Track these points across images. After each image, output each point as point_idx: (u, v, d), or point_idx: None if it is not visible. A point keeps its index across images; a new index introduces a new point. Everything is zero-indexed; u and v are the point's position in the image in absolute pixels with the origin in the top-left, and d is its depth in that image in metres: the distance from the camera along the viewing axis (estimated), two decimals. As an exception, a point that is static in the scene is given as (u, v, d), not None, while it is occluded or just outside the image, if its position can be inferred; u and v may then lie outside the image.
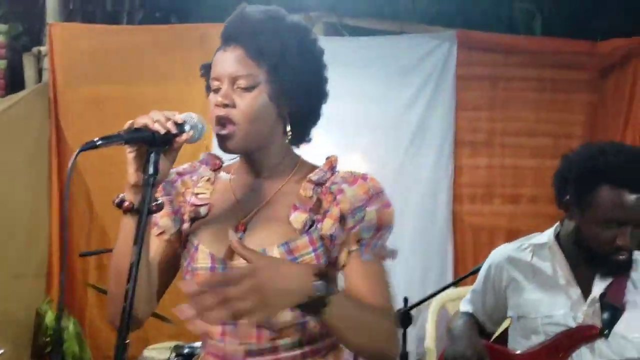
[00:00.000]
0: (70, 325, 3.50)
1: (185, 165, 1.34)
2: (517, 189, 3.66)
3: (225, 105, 1.20)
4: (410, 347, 2.87)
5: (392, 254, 1.27)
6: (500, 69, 3.69)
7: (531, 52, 3.68)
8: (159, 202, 1.18)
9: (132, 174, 1.16)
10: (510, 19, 3.97)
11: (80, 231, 3.61)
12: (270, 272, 1.06)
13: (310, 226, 1.21)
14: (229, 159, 1.33)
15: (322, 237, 1.21)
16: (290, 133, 1.26)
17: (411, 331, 3.47)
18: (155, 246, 1.27)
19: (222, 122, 1.20)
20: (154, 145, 1.13)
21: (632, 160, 1.74)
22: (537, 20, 3.82)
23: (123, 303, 1.07)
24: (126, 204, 1.16)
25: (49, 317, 3.52)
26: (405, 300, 2.29)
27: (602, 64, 3.59)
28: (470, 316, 2.06)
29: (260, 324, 1.17)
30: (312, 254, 1.20)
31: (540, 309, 1.86)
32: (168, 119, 1.13)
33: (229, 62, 1.20)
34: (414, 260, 3.60)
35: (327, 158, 1.29)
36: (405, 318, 2.21)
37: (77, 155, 1.08)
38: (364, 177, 1.25)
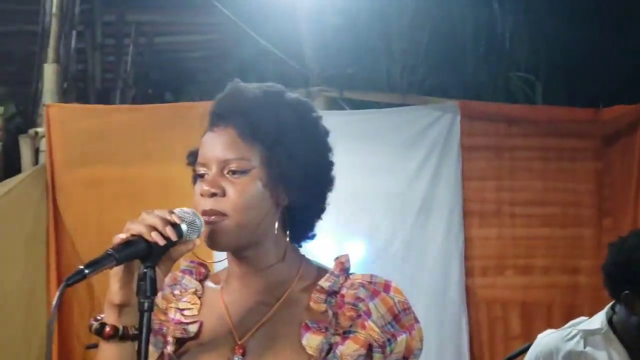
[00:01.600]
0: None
1: (166, 278, 1.07)
2: (529, 259, 3.59)
3: (213, 195, 1.01)
4: None
5: None
6: (503, 138, 3.68)
7: (533, 121, 3.69)
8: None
9: (116, 293, 0.97)
10: (509, 89, 4.01)
11: (82, 322, 3.45)
12: None
13: (328, 352, 1.01)
14: (216, 261, 1.17)
15: None
16: (289, 228, 1.08)
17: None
18: None
19: (209, 214, 1.01)
20: (151, 260, 0.95)
21: None
22: (537, 89, 3.84)
23: None
24: (107, 329, 0.98)
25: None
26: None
27: (606, 131, 3.59)
28: None
29: None
30: None
31: None
32: (166, 223, 0.95)
33: (218, 144, 1.04)
34: (429, 337, 3.46)
35: (337, 258, 1.10)
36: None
37: (62, 290, 0.91)
38: (386, 288, 1.06)
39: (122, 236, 0.94)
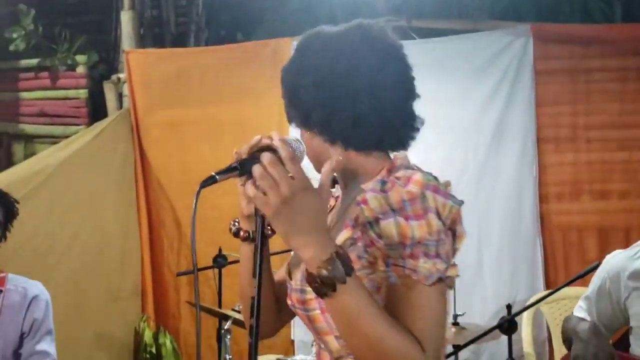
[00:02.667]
0: (166, 341, 3.62)
1: None
2: (606, 184, 3.51)
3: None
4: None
5: (430, 278, 1.01)
6: (579, 60, 3.56)
7: (611, 41, 3.53)
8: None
9: (244, 207, 1.19)
10: (586, 9, 3.83)
11: (171, 253, 3.72)
12: (303, 201, 0.95)
13: (352, 244, 1.08)
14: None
15: (359, 257, 1.06)
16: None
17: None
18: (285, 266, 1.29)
19: None
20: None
21: None
22: (616, 8, 3.66)
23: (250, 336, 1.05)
24: (242, 233, 1.21)
25: (147, 335, 3.65)
26: (509, 307, 2.26)
27: (690, 48, 3.41)
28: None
29: (330, 350, 1.13)
30: None
31: None
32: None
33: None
34: (502, 264, 3.52)
35: (391, 158, 1.18)
36: (510, 326, 2.20)
37: (199, 192, 1.05)
38: (406, 181, 1.04)
39: (246, 150, 1.10)
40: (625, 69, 3.52)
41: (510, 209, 3.55)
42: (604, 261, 1.97)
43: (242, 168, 1.04)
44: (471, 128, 3.58)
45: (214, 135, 3.72)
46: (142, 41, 4.16)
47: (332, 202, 1.29)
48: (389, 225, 1.01)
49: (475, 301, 3.43)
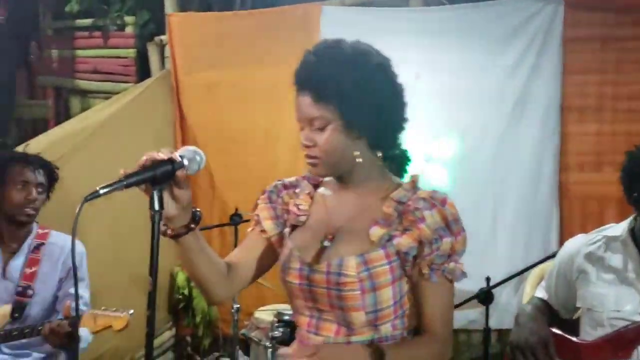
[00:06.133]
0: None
1: (292, 179, 1.55)
2: (629, 156, 3.48)
3: (308, 146, 1.37)
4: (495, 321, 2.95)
5: (460, 277, 1.37)
6: (611, 28, 3.48)
7: (647, 9, 3.42)
8: (197, 218, 1.36)
9: (167, 209, 1.33)
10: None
11: (204, 205, 3.99)
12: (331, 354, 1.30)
13: (388, 240, 1.35)
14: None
15: (397, 252, 1.34)
16: (374, 153, 1.40)
17: (512, 301, 3.53)
18: (256, 242, 1.51)
19: (308, 155, 1.39)
20: (157, 184, 1.24)
21: None
22: (654, -28, 3.51)
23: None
24: (169, 232, 1.36)
25: (180, 278, 4.00)
26: (488, 279, 2.37)
27: None
28: (543, 302, 2.11)
29: (339, 321, 1.37)
30: (387, 266, 1.34)
31: (607, 303, 1.88)
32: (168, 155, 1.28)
33: (303, 107, 1.36)
34: (517, 231, 3.58)
35: (411, 177, 1.44)
36: (487, 297, 2.32)
37: (82, 205, 1.18)
38: (442, 203, 1.36)
39: (139, 162, 1.25)
40: (659, 38, 3.42)
41: (528, 176, 3.59)
42: (565, 243, 2.06)
43: (129, 183, 1.20)
44: (493, 96, 3.60)
45: (248, 97, 3.91)
46: (187, 4, 4.27)
47: (309, 189, 1.50)
48: (447, 243, 1.33)
49: (486, 267, 3.54)
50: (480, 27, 3.62)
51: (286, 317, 2.80)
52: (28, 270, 2.35)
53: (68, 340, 2.11)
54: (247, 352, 3.22)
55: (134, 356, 3.66)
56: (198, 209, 1.38)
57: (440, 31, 3.67)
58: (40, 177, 2.41)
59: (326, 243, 1.41)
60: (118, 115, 3.66)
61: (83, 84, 4.52)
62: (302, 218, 1.47)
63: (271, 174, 3.81)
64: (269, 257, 1.52)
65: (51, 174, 2.48)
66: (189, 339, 4.09)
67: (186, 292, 3.92)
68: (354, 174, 1.41)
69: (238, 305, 3.03)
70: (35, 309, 2.33)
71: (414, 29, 3.65)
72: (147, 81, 4.03)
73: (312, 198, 1.49)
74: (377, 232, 1.36)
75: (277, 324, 2.79)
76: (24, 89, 4.68)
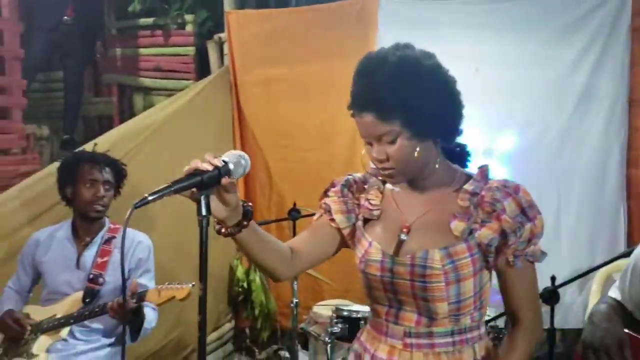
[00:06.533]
0: (257, 278, 4.02)
1: (359, 175, 1.60)
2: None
3: (381, 161, 1.42)
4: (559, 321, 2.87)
5: (541, 257, 1.44)
6: (683, 18, 3.34)
7: None
8: (248, 215, 1.37)
9: (216, 212, 1.36)
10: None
11: (262, 198, 4.06)
12: None
13: (469, 234, 1.40)
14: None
15: (478, 244, 1.40)
16: (442, 151, 1.46)
17: (576, 301, 3.43)
18: (324, 229, 1.57)
19: (383, 168, 1.43)
20: (204, 189, 1.25)
21: None
22: None
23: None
24: (223, 231, 1.40)
25: (240, 271, 4.07)
26: (553, 278, 2.32)
27: None
28: (616, 302, 2.02)
29: (421, 311, 1.43)
30: (469, 259, 1.40)
31: None
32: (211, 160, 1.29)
33: (368, 127, 1.39)
34: (582, 229, 3.50)
35: (480, 167, 1.48)
36: (553, 296, 2.27)
37: (131, 212, 1.18)
38: (516, 190, 1.40)
39: (185, 169, 1.27)
40: None
41: (593, 172, 3.49)
42: None
43: (177, 188, 1.21)
44: (554, 91, 3.51)
45: (304, 93, 3.95)
46: (246, 1, 4.31)
47: (377, 184, 1.56)
48: (527, 229, 1.39)
49: (550, 266, 3.46)
50: (540, 19, 3.53)
51: (345, 313, 2.82)
52: (99, 260, 2.47)
53: (133, 315, 2.21)
54: (305, 347, 3.26)
55: (196, 347, 3.75)
56: (249, 205, 1.40)
57: (500, 23, 3.59)
58: (107, 175, 2.52)
59: (403, 237, 1.46)
60: (180, 112, 3.74)
61: (146, 81, 4.65)
62: (376, 212, 1.52)
63: (328, 170, 3.85)
64: (334, 246, 1.58)
65: (119, 172, 2.59)
66: (247, 331, 4.17)
67: (245, 285, 3.99)
68: (425, 174, 1.46)
69: (297, 300, 3.07)
70: (105, 295, 2.44)
71: (473, 21, 3.59)
72: (207, 79, 4.10)
73: (382, 193, 1.55)
74: (459, 226, 1.40)
75: (335, 320, 2.81)
76: (90, 87, 4.86)
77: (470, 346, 1.46)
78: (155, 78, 4.62)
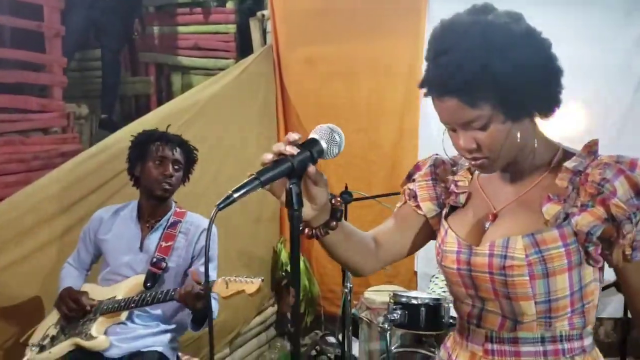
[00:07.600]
0: (300, 262, 3.95)
1: (447, 157, 1.41)
2: None
3: (471, 150, 1.20)
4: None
5: None
6: None
7: None
8: (338, 214, 1.19)
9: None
10: None
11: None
12: None
13: (564, 219, 1.17)
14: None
15: (575, 233, 1.16)
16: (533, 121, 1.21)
17: None
18: (411, 218, 1.41)
19: (474, 158, 1.21)
20: (293, 177, 1.04)
21: None
22: None
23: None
24: (307, 231, 1.22)
25: (283, 255, 4.01)
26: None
27: None
28: None
29: (505, 312, 1.22)
30: (562, 250, 1.16)
31: None
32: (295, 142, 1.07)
33: (452, 112, 1.16)
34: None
35: (587, 143, 1.23)
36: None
37: (215, 213, 1.00)
38: (632, 166, 1.14)
39: (269, 156, 1.05)
40: None
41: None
42: None
43: (265, 180, 1.00)
44: (617, 71, 3.36)
45: (350, 72, 3.83)
46: None
47: (467, 164, 1.35)
48: None
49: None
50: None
51: (403, 300, 2.73)
52: (163, 244, 2.41)
53: (198, 301, 2.13)
54: (354, 332, 3.18)
55: (241, 330, 3.71)
56: (338, 200, 1.20)
57: (561, 1, 3.43)
58: (177, 154, 2.46)
59: (488, 224, 1.26)
60: (223, 92, 3.66)
61: (184, 60, 4.56)
62: (462, 198, 1.34)
63: (375, 152, 3.74)
64: (425, 234, 1.42)
65: (189, 154, 2.53)
66: (290, 316, 4.10)
67: (289, 268, 3.91)
68: (521, 157, 1.24)
69: (351, 285, 2.98)
70: (167, 281, 2.38)
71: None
72: (250, 57, 4.00)
73: (472, 174, 1.36)
74: (551, 209, 1.17)
75: (394, 306, 2.72)
76: (127, 66, 4.78)
77: (567, 359, 1.22)
78: (194, 57, 4.52)
